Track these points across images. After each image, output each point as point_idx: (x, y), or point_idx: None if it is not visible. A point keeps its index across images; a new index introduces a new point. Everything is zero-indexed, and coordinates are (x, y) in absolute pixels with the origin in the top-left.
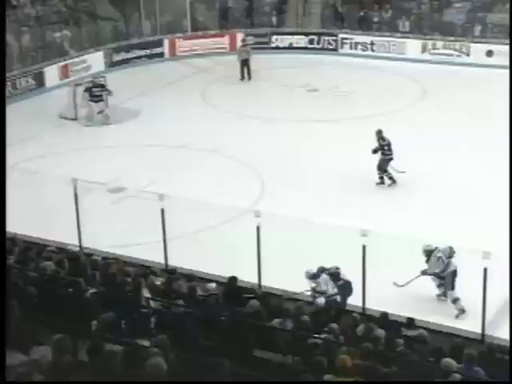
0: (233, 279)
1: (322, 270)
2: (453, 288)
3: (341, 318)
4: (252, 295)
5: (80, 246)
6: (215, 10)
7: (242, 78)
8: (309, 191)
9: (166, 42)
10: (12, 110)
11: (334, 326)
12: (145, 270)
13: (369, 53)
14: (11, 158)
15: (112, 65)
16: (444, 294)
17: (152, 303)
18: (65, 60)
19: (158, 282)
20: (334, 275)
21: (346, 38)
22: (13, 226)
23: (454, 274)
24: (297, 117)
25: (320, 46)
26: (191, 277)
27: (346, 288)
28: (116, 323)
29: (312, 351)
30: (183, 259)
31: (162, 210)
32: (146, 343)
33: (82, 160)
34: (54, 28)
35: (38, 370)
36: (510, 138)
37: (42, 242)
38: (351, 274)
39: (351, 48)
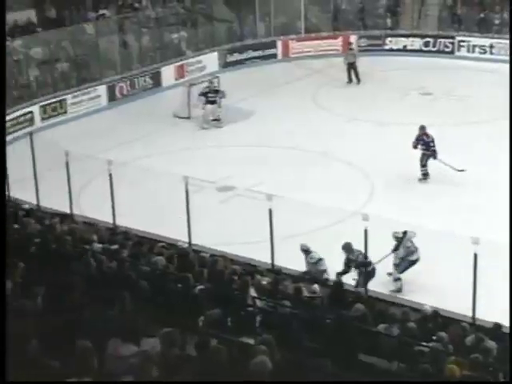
0: (338, 283)
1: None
2: (402, 272)
3: (449, 326)
4: (357, 299)
5: (189, 243)
6: (329, 11)
7: (350, 81)
8: (418, 195)
9: (280, 44)
10: (129, 109)
11: (443, 334)
12: (251, 268)
13: (487, 56)
14: (126, 155)
15: (226, 65)
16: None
17: (258, 302)
18: (181, 60)
19: (265, 281)
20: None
21: (464, 41)
22: (126, 221)
23: (413, 262)
24: (408, 120)
25: (436, 48)
26: (297, 278)
27: (369, 271)
28: (222, 320)
29: (418, 359)
30: (289, 259)
31: (270, 211)
32: (251, 341)
33: (194, 159)
34: (171, 29)
35: (149, 360)
36: (510, 137)
37: (154, 238)
38: (462, 282)
39: (468, 51)
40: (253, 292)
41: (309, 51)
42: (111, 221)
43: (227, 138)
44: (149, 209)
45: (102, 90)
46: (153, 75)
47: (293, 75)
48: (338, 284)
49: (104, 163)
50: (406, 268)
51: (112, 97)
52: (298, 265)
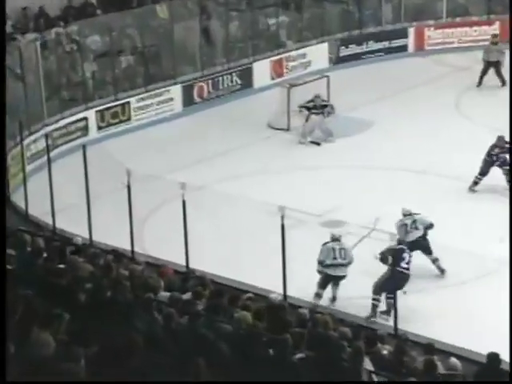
0: (494, 357)
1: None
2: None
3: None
4: None
5: (284, 295)
6: None
7: (480, 83)
8: None
9: (412, 32)
10: (211, 116)
11: None
12: (366, 332)
13: None
14: (204, 176)
15: (338, 61)
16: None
17: (375, 378)
18: (279, 54)
19: (385, 350)
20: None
21: None
22: (202, 263)
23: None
24: None
25: None
26: (429, 347)
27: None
28: None
29: None
30: (416, 321)
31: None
32: None
33: (291, 183)
34: (268, 13)
35: None
36: (510, 133)
37: (238, 286)
38: None
39: None
40: (368, 364)
41: (452, 42)
42: (183, 262)
43: (335, 156)
44: (232, 247)
45: (175, 91)
46: (242, 73)
47: (428, 74)
48: (495, 360)
49: (175, 186)
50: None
51: (189, 100)
52: (431, 330)
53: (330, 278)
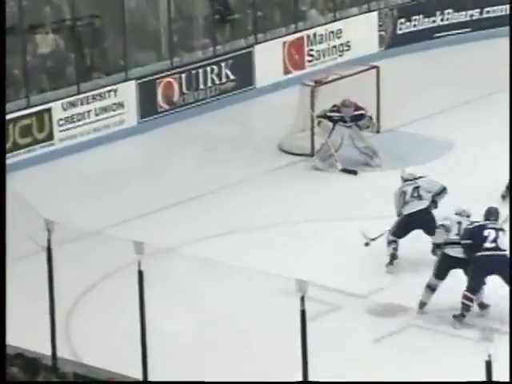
0: None
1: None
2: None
3: None
4: None
5: None
6: None
7: None
8: None
9: None
10: (186, 134)
11: None
12: None
13: None
14: (174, 230)
15: (394, 42)
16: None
17: None
18: (297, 31)
19: None
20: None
21: None
22: (170, 373)
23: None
24: None
25: None
26: None
27: None
28: None
29: None
30: None
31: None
32: None
33: (314, 243)
34: None
35: None
36: (510, 130)
37: None
38: None
39: None
40: None
41: None
42: (138, 374)
43: (385, 193)
44: (221, 350)
45: (127, 91)
46: (237, 63)
47: None
48: None
49: (127, 247)
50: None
51: (149, 107)
52: None
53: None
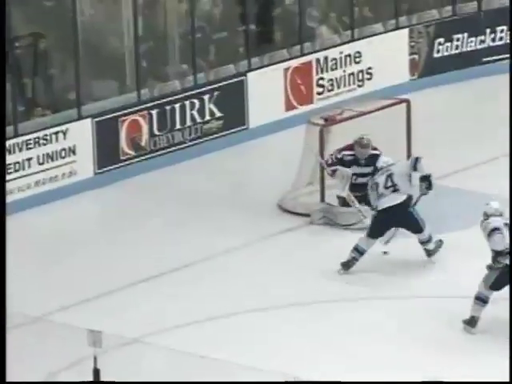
0: None
1: None
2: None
3: None
4: None
5: None
6: None
7: None
8: None
9: None
10: (160, 191)
11: None
12: None
13: None
14: (140, 319)
15: (428, 70)
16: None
17: None
18: (303, 55)
19: None
20: None
21: None
22: None
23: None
24: None
25: None
26: None
27: None
28: None
29: None
30: None
31: None
32: None
33: (327, 334)
34: None
35: None
36: (510, 140)
37: None
38: None
39: None
40: None
41: None
42: None
43: (410, 281)
44: None
45: (80, 132)
46: (224, 95)
47: None
48: None
49: (80, 337)
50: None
51: (109, 155)
52: None
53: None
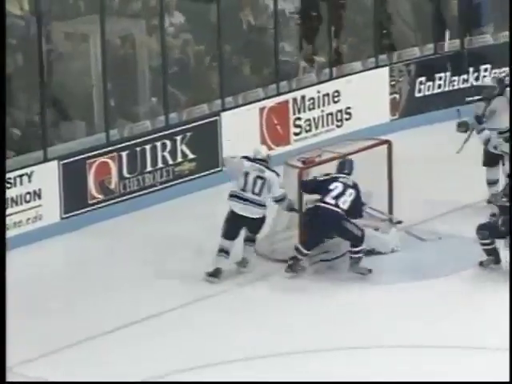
0: None
1: None
2: None
3: None
4: None
5: None
6: None
7: None
8: None
9: None
10: (128, 238)
11: None
12: None
13: None
14: None
15: (409, 110)
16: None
17: None
18: (279, 94)
19: None
20: None
21: None
22: None
23: None
24: None
25: None
26: None
27: None
28: None
29: None
30: None
31: None
32: None
33: None
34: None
35: None
36: (510, 134)
37: None
38: None
39: None
40: None
41: None
42: None
43: None
44: None
45: (44, 176)
46: (197, 137)
47: None
48: None
49: None
50: None
51: (76, 200)
52: None
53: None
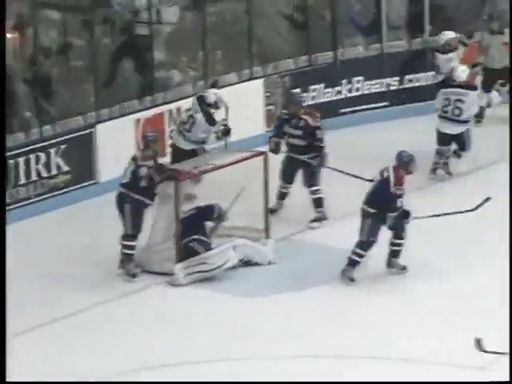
0: None
1: None
2: None
3: None
4: None
5: None
6: None
7: None
8: None
9: None
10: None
11: None
12: None
13: None
14: None
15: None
16: None
17: None
18: (156, 105)
19: None
20: None
21: None
22: None
23: None
24: None
25: None
26: None
27: None
28: None
29: None
30: None
31: None
32: None
33: None
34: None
35: None
36: (510, 150)
37: None
38: None
39: None
40: None
41: None
42: None
43: None
44: None
45: None
46: (72, 149)
47: None
48: None
49: None
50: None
51: None
52: None
53: None
